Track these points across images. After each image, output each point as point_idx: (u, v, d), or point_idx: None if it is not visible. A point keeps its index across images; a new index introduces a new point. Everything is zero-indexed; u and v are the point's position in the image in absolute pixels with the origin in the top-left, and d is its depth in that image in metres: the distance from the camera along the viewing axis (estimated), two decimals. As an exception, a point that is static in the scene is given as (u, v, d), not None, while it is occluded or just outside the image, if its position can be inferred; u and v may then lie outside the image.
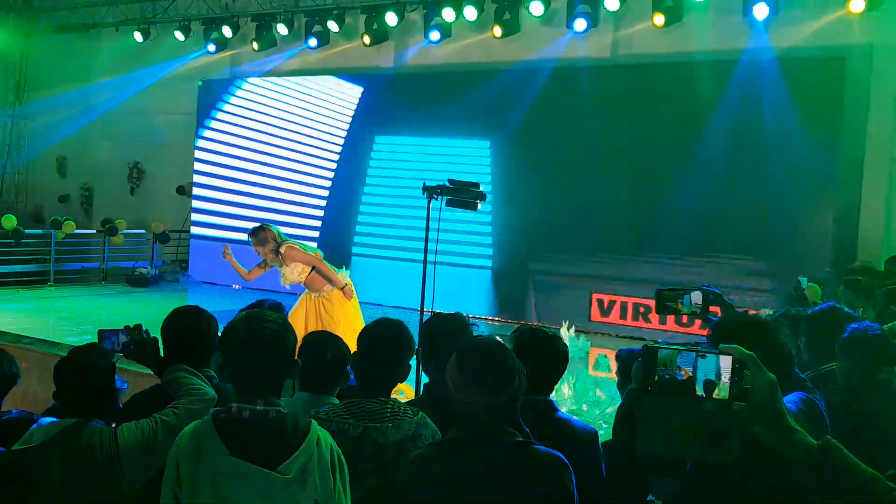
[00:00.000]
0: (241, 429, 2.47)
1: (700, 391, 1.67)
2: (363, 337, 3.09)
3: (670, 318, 8.79)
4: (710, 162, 9.86)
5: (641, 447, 1.76)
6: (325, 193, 12.92)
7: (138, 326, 3.36)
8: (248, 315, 2.63)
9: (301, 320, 6.97)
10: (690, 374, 1.68)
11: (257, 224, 7.23)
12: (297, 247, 7.11)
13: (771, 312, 6.04)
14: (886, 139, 9.53)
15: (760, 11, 9.38)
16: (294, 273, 7.06)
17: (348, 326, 6.70)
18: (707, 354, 1.71)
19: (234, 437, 2.45)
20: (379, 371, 3.02)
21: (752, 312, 4.24)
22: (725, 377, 1.66)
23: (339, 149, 12.81)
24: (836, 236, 9.35)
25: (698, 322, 3.71)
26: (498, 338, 2.69)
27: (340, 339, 3.52)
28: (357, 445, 2.79)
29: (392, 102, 12.23)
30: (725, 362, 1.68)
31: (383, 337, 3.08)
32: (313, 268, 7.09)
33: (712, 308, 3.33)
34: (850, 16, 9.25)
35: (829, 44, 9.60)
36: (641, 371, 1.74)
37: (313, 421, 2.59)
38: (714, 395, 1.66)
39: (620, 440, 2.90)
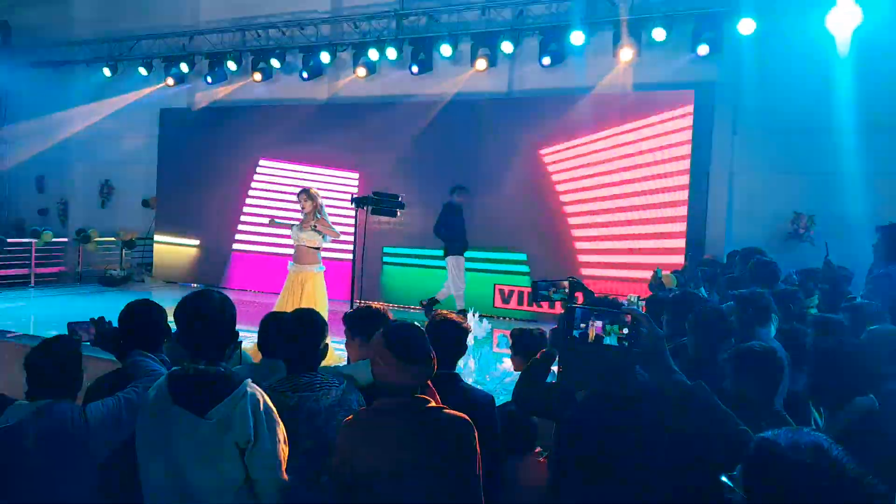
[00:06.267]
0: (186, 383, 2.56)
1: (605, 341, 1.76)
2: (289, 325, 3.06)
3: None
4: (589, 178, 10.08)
5: (564, 381, 1.86)
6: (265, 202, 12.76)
7: (101, 318, 3.29)
8: (194, 294, 2.68)
9: (287, 292, 7.25)
10: (597, 327, 1.77)
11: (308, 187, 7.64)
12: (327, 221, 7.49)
13: (637, 297, 6.21)
14: (727, 157, 9.86)
15: (626, 54, 9.62)
16: (305, 235, 7.33)
17: (312, 303, 6.92)
18: (610, 313, 1.79)
19: (179, 389, 2.54)
20: (306, 351, 3.00)
21: (612, 296, 4.38)
22: (624, 331, 1.76)
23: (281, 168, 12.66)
24: (688, 235, 9.61)
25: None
26: (416, 323, 2.71)
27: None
28: (294, 413, 2.81)
29: (324, 128, 12.08)
30: (626, 320, 1.77)
31: (304, 324, 3.06)
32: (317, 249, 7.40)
33: (577, 294, 3.40)
34: (697, 57, 9.55)
35: (681, 80, 9.88)
36: (563, 324, 1.81)
37: (246, 380, 2.63)
38: (607, 342, 1.76)
39: (525, 394, 2.89)
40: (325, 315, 6.53)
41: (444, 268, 9.60)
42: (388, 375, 2.51)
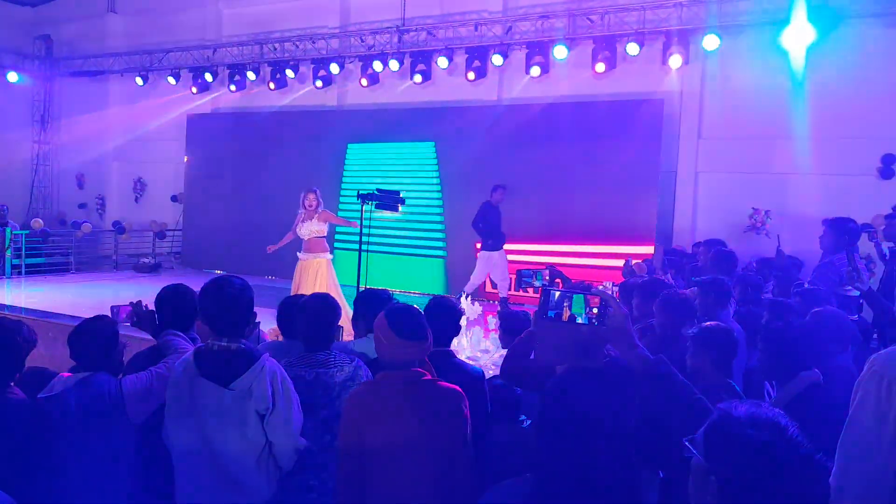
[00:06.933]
0: (211, 358, 2.60)
1: (577, 319, 1.77)
2: (307, 308, 3.06)
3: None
4: (570, 177, 10.07)
5: (538, 356, 1.87)
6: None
7: (139, 302, 3.30)
8: (217, 278, 2.70)
9: (299, 279, 7.36)
10: (571, 307, 1.78)
11: (314, 188, 7.75)
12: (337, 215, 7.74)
13: (611, 283, 6.22)
14: (692, 159, 9.87)
15: (600, 67, 9.60)
16: (316, 227, 7.41)
17: (326, 287, 7.02)
18: (582, 294, 1.80)
19: (204, 363, 2.59)
20: (321, 331, 3.01)
21: (587, 282, 4.40)
22: (594, 310, 1.77)
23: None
24: (658, 228, 9.62)
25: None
26: (415, 305, 2.72)
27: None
28: (312, 386, 2.84)
29: (335, 131, 12.10)
30: (595, 300, 1.78)
31: (321, 307, 3.07)
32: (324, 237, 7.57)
33: (556, 280, 3.42)
34: (667, 70, 9.55)
35: (652, 90, 9.88)
36: (540, 304, 1.83)
37: (265, 354, 2.66)
38: (579, 321, 1.77)
39: (511, 368, 2.91)
40: (341, 297, 6.65)
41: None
42: (389, 351, 2.54)
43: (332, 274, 7.47)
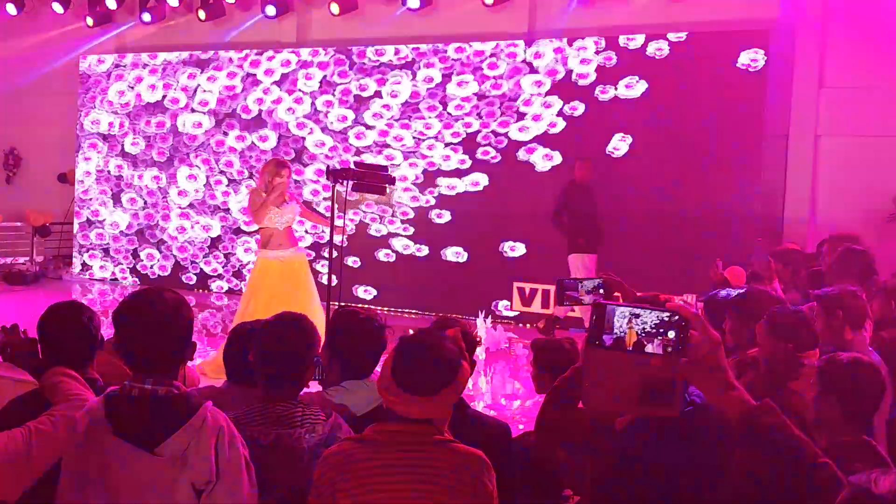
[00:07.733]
0: (128, 408, 2.53)
1: (645, 347, 1.76)
2: (265, 335, 3.07)
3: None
4: (630, 143, 10.08)
5: (590, 403, 1.85)
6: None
7: (14, 327, 3.30)
8: (142, 292, 2.66)
9: (276, 284, 7.38)
10: (637, 330, 1.77)
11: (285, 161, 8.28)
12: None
13: (693, 297, 6.21)
14: (811, 116, 9.83)
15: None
16: (289, 214, 7.59)
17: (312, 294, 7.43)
18: (652, 312, 1.79)
19: (121, 415, 2.51)
20: (286, 371, 3.02)
21: (664, 296, 4.35)
22: (669, 335, 1.75)
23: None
24: (761, 217, 9.59)
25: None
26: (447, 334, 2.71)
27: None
28: (270, 455, 2.82)
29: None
30: (671, 321, 1.77)
31: (293, 335, 3.07)
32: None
33: (615, 294, 3.40)
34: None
35: (751, 17, 9.85)
36: (591, 328, 1.81)
37: (206, 403, 2.61)
38: (650, 350, 1.76)
39: (550, 422, 2.92)
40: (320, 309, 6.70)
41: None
42: (393, 405, 2.58)
43: (304, 274, 7.62)
